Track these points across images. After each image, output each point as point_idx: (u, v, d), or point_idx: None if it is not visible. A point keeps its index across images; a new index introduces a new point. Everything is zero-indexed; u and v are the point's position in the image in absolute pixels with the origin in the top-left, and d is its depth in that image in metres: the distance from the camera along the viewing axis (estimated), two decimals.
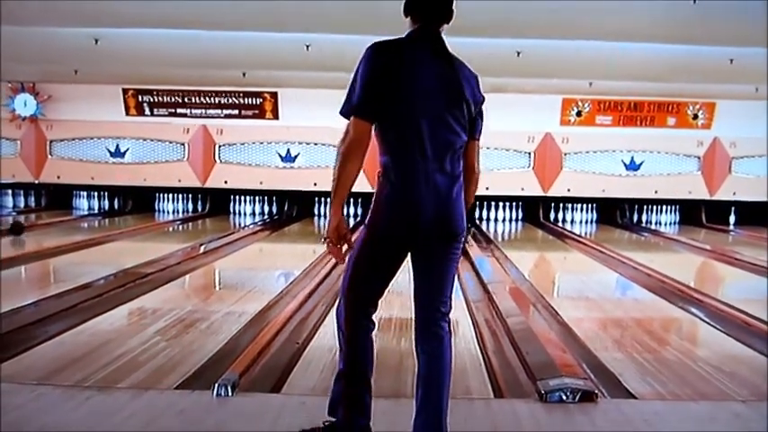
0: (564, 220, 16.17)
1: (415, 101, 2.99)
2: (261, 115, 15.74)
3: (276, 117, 15.68)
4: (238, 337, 5.62)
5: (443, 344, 3.14)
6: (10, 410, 3.66)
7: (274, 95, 15.56)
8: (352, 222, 15.07)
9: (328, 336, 5.71)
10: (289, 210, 16.29)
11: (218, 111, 15.78)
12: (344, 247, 3.17)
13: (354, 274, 3.18)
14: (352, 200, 15.75)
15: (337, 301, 3.30)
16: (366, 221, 3.16)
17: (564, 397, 3.99)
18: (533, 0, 8.58)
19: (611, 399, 4.29)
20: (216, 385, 3.99)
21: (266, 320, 6.07)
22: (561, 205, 16.29)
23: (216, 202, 16.31)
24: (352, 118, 3.02)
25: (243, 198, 16.39)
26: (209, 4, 9.15)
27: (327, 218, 3.13)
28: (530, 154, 15.81)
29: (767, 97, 13.62)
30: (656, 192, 15.95)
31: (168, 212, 16.43)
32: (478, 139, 3.24)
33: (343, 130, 3.08)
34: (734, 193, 15.91)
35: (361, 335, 3.21)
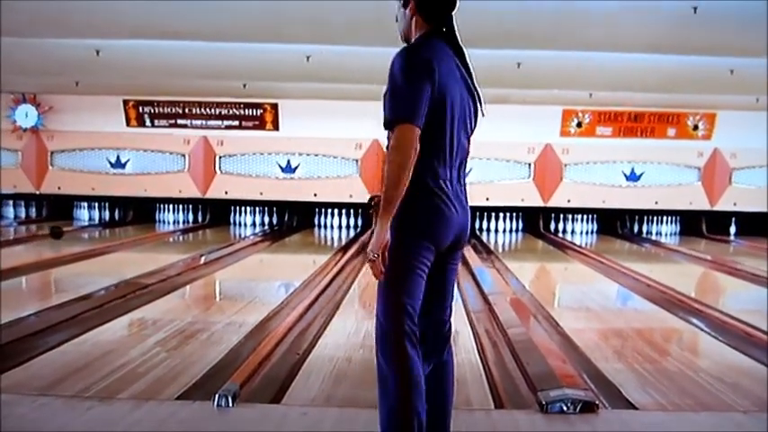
0: (564, 231, 16.17)
1: (447, 106, 2.90)
2: (261, 126, 15.76)
3: (276, 128, 15.70)
4: (239, 347, 5.61)
5: (450, 352, 3.13)
6: (11, 421, 3.66)
7: (275, 107, 15.58)
8: (351, 233, 15.09)
9: (329, 346, 5.72)
10: (289, 220, 16.30)
11: (219, 122, 15.80)
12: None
13: (399, 291, 2.91)
14: (352, 210, 15.80)
15: (380, 338, 2.96)
16: (399, 234, 2.88)
17: (565, 408, 3.98)
18: (534, 12, 8.62)
19: (612, 409, 4.28)
20: (216, 396, 3.98)
21: (267, 331, 6.07)
22: (561, 216, 16.29)
23: (216, 213, 16.31)
24: (401, 127, 2.82)
25: (243, 209, 16.40)
26: (209, 15, 9.17)
27: (375, 234, 2.84)
28: (530, 165, 15.82)
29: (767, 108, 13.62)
30: (656, 202, 15.96)
31: (169, 223, 16.44)
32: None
33: (373, 141, 3.07)
34: (734, 204, 15.91)
35: (415, 369, 2.88)
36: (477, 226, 15.51)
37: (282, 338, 5.69)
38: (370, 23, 8.55)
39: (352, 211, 15.90)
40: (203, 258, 10.82)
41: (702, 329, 6.89)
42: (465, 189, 3.04)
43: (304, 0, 8.41)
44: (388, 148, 2.89)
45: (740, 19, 9.22)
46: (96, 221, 16.39)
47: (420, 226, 2.91)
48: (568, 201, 15.91)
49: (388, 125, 2.85)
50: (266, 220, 16.40)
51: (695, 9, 8.91)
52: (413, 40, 3.02)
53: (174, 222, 16.46)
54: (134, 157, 15.95)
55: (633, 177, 15.93)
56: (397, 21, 3.10)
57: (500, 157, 15.44)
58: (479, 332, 6.31)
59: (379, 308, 2.95)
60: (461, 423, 3.58)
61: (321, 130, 15.14)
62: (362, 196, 14.68)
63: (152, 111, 15.75)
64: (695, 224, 16.31)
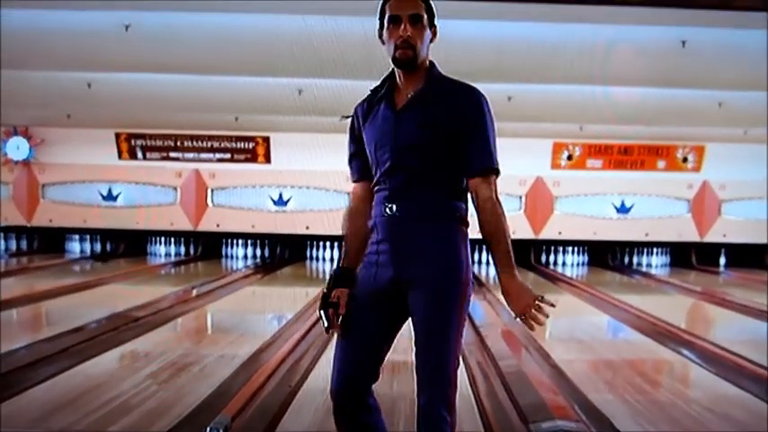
0: (555, 263, 16.20)
1: None
2: (253, 159, 15.79)
3: (268, 161, 15.74)
4: (231, 380, 5.60)
5: None
6: None
7: (266, 140, 15.62)
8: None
9: (320, 379, 5.71)
10: (281, 253, 16.29)
11: (211, 155, 15.83)
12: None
13: (459, 345, 2.86)
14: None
15: (448, 393, 2.81)
16: (460, 276, 2.86)
17: None
18: (524, 46, 8.72)
19: None
20: (208, 429, 3.99)
21: (259, 363, 6.06)
22: (552, 248, 16.32)
23: (208, 246, 16.30)
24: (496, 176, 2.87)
25: (235, 241, 16.39)
26: (201, 49, 9.25)
27: (515, 280, 2.84)
28: (521, 197, 15.87)
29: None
30: (646, 234, 16.00)
31: (160, 255, 16.42)
32: None
33: (348, 174, 3.07)
34: (724, 235, 15.96)
35: None
36: None
37: (274, 371, 5.69)
38: (361, 58, 8.65)
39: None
40: (195, 291, 10.81)
41: (693, 360, 6.91)
42: None
43: (295, 34, 8.50)
44: (479, 196, 2.85)
45: (728, 53, 9.36)
46: (88, 254, 16.36)
47: (469, 266, 2.93)
48: (559, 233, 15.95)
49: (492, 172, 2.86)
50: (258, 252, 16.37)
51: (683, 43, 9.05)
52: (425, 64, 2.90)
53: (165, 255, 16.44)
54: (126, 189, 15.95)
55: (623, 209, 16.00)
56: (385, 44, 2.89)
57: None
58: (471, 364, 6.31)
59: (447, 359, 2.79)
60: None
61: (313, 163, 15.18)
62: None
63: (144, 144, 15.78)
64: (685, 256, 16.35)
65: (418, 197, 2.83)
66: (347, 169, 3.05)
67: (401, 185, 2.83)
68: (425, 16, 2.83)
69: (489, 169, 2.84)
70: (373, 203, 2.94)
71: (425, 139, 2.81)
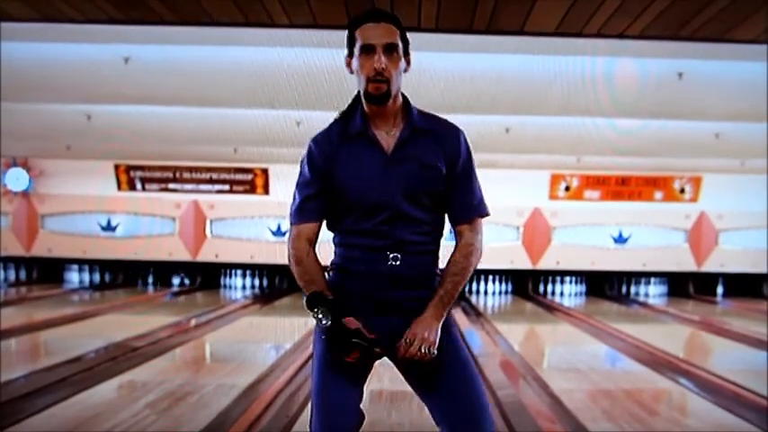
0: (553, 293, 16.19)
1: None
2: (252, 190, 15.84)
3: (267, 192, 15.79)
4: (229, 410, 5.61)
5: None
6: None
7: (265, 171, 15.68)
8: None
9: None
10: (279, 283, 16.28)
11: (210, 186, 15.88)
12: None
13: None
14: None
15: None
16: (451, 320, 2.80)
17: None
18: (522, 78, 8.79)
19: None
20: None
21: (257, 394, 6.08)
22: (550, 278, 16.32)
23: (207, 276, 16.29)
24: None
25: (234, 272, 16.39)
26: (200, 81, 9.32)
27: (436, 320, 2.68)
28: (518, 228, 15.91)
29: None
30: (644, 264, 16.02)
31: (159, 286, 16.40)
32: None
33: None
34: (721, 265, 15.98)
35: None
36: (466, 288, 15.49)
37: (272, 401, 5.71)
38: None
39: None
40: (193, 321, 10.81)
41: (691, 390, 6.91)
42: None
43: (293, 67, 8.57)
44: (464, 239, 2.76)
45: (724, 85, 9.43)
46: (87, 284, 16.35)
47: None
48: (557, 263, 15.96)
49: (482, 213, 2.80)
50: (257, 283, 16.38)
51: (680, 75, 9.12)
52: (398, 97, 2.72)
53: (164, 285, 16.42)
54: (125, 220, 15.98)
55: (621, 240, 16.03)
56: (352, 72, 2.74)
57: (489, 221, 15.45)
58: None
59: (481, 396, 2.75)
60: None
61: None
62: None
63: (143, 175, 15.83)
64: (683, 285, 16.35)
65: (422, 249, 2.74)
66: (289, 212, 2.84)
67: (404, 236, 2.69)
68: (400, 45, 2.66)
69: (478, 210, 2.79)
70: (342, 247, 2.83)
71: (431, 183, 2.69)
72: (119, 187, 15.87)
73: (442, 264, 2.82)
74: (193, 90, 9.80)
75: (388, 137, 2.71)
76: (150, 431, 5.03)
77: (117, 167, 15.74)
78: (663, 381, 7.35)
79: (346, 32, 2.72)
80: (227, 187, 15.87)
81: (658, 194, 15.93)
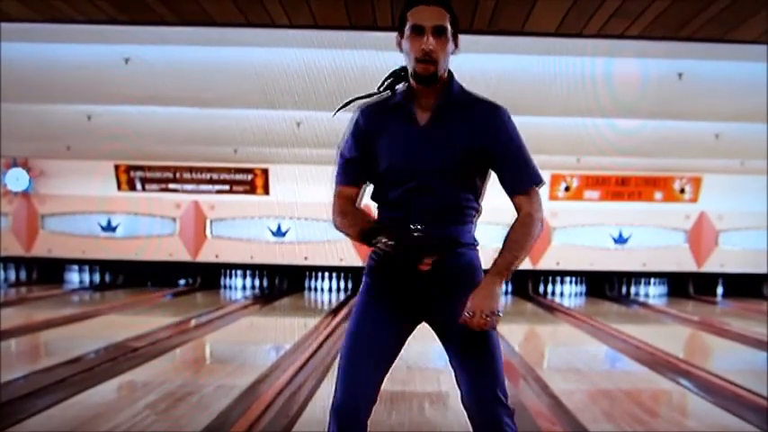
0: (553, 293, 16.20)
1: None
2: (252, 191, 15.85)
3: (267, 192, 15.80)
4: (229, 410, 5.60)
5: None
6: None
7: (265, 171, 15.69)
8: (342, 296, 15.09)
9: (317, 410, 5.71)
10: (279, 284, 16.29)
11: (210, 186, 15.89)
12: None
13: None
14: (342, 274, 15.82)
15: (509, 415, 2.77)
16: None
17: None
18: (521, 79, 8.79)
19: None
20: None
21: (257, 394, 6.07)
22: (550, 278, 16.33)
23: (207, 277, 16.29)
24: (538, 189, 2.88)
25: (234, 272, 16.39)
26: (200, 82, 9.32)
27: (497, 291, 2.66)
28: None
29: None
30: (644, 264, 16.02)
31: (160, 286, 16.40)
32: None
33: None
34: (721, 265, 15.99)
35: None
36: None
37: (272, 402, 5.70)
38: (358, 91, 8.72)
39: (342, 274, 15.92)
40: (193, 321, 10.81)
41: (691, 390, 6.91)
42: None
43: (294, 67, 8.58)
44: (522, 210, 2.85)
45: (724, 85, 9.43)
46: (87, 284, 16.36)
47: None
48: (557, 263, 15.96)
49: (535, 182, 2.87)
50: (257, 283, 16.38)
51: (680, 75, 9.12)
52: (444, 76, 2.80)
53: (164, 285, 16.42)
54: (125, 220, 15.98)
55: (621, 240, 16.04)
56: (402, 51, 2.80)
57: (490, 222, 15.48)
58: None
59: (500, 381, 2.75)
60: None
61: (311, 194, 15.22)
62: (353, 260, 14.75)
63: (143, 175, 15.84)
64: (683, 285, 16.36)
65: (445, 220, 2.78)
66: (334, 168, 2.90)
67: (427, 207, 2.75)
68: (449, 28, 2.73)
69: (531, 180, 2.87)
70: (378, 218, 2.86)
71: (454, 161, 2.75)
72: (119, 187, 15.88)
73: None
74: (193, 90, 9.80)
75: (425, 113, 2.79)
76: None
77: (117, 168, 15.75)
78: (663, 381, 7.35)
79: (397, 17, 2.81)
80: (227, 187, 15.88)
81: (658, 195, 15.94)
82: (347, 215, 2.85)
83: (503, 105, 2.86)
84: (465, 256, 2.83)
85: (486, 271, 2.78)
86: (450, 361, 2.83)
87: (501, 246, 2.78)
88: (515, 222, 2.84)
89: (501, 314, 2.64)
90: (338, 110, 2.95)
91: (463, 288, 2.70)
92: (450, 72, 2.82)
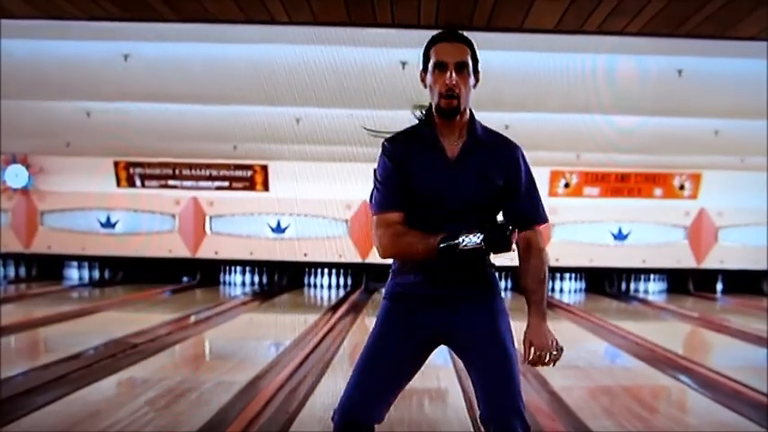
0: (552, 290, 16.17)
1: None
2: (251, 187, 15.83)
3: (266, 189, 15.78)
4: (228, 407, 5.60)
5: None
6: None
7: (265, 168, 15.67)
8: (341, 293, 15.08)
9: (317, 406, 5.72)
10: (279, 280, 16.28)
11: (209, 183, 15.87)
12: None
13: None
14: (342, 270, 15.80)
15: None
16: (507, 319, 2.99)
17: None
18: (522, 75, 8.79)
19: None
20: None
21: (256, 391, 6.08)
22: (550, 275, 16.26)
23: (206, 273, 16.28)
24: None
25: (233, 268, 16.38)
26: (199, 78, 9.32)
27: (545, 324, 2.92)
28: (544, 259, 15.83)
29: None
30: (643, 261, 16.02)
31: (159, 283, 16.39)
32: None
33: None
34: (721, 262, 15.99)
35: None
36: None
37: (272, 398, 5.71)
38: (358, 87, 8.73)
39: (341, 270, 15.92)
40: (193, 318, 10.81)
41: (691, 386, 6.92)
42: None
43: (293, 64, 8.58)
44: (532, 246, 2.96)
45: (724, 81, 9.43)
46: (86, 281, 16.35)
47: None
48: (557, 260, 15.93)
49: (542, 221, 3.00)
50: (256, 279, 16.37)
51: (680, 72, 9.12)
52: (466, 112, 2.93)
53: (164, 282, 16.41)
54: (124, 217, 15.97)
55: (620, 236, 16.03)
56: (426, 86, 2.92)
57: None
58: (469, 391, 6.32)
59: (519, 399, 2.87)
60: None
61: (311, 190, 15.24)
62: (352, 256, 14.76)
63: (142, 172, 15.82)
64: (682, 282, 16.34)
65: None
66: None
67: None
68: (470, 64, 2.86)
69: (537, 219, 2.99)
70: None
71: (483, 193, 2.89)
72: (118, 184, 15.86)
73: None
74: (193, 87, 9.81)
75: (452, 146, 2.90)
76: (150, 428, 5.03)
77: (116, 164, 15.73)
78: (662, 378, 7.36)
79: (421, 50, 2.92)
80: (226, 184, 15.86)
81: (658, 191, 15.93)
82: (406, 234, 2.85)
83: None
84: (485, 276, 2.98)
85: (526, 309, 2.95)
86: (470, 375, 2.95)
87: (527, 282, 2.96)
88: (535, 261, 2.98)
89: (561, 348, 2.89)
90: (371, 131, 3.05)
91: (485, 304, 2.93)
92: (470, 110, 2.95)
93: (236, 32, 8.42)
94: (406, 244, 2.84)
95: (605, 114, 10.90)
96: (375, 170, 2.94)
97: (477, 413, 2.87)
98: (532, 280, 2.94)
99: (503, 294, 3.03)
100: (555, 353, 2.86)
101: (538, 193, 3.01)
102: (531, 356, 2.85)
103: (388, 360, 2.89)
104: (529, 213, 2.96)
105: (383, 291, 3.02)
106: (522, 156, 2.99)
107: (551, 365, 2.88)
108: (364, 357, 2.92)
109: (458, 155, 2.89)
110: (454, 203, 2.85)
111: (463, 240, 2.73)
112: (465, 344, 2.92)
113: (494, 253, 2.83)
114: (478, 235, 2.73)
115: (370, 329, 2.98)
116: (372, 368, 2.89)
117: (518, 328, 2.95)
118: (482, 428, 2.86)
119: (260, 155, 15.06)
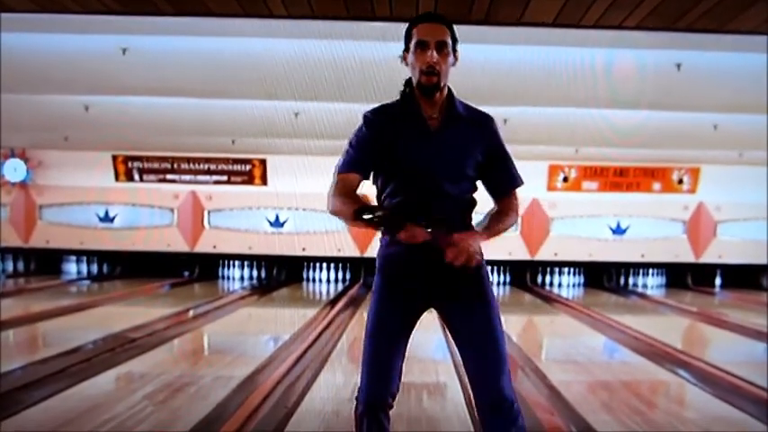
0: (551, 284, 16.20)
1: None
2: (250, 181, 15.83)
3: (265, 183, 15.78)
4: (227, 401, 5.60)
5: None
6: None
7: (263, 162, 15.67)
8: (340, 287, 15.08)
9: (316, 401, 5.72)
10: (277, 274, 16.28)
11: (208, 177, 15.87)
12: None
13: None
14: (340, 264, 15.81)
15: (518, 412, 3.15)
16: (490, 288, 3.26)
17: None
18: (521, 69, 8.78)
19: None
20: None
21: (255, 385, 6.07)
22: (548, 269, 16.32)
23: (204, 267, 16.28)
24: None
25: (232, 263, 16.38)
26: (198, 72, 9.31)
27: (479, 236, 3.07)
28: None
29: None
30: (642, 255, 16.02)
31: (157, 277, 16.38)
32: None
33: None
34: (719, 256, 15.99)
35: None
36: None
37: (271, 392, 5.70)
38: (357, 81, 8.72)
39: (340, 265, 15.92)
40: (191, 312, 10.81)
41: (689, 381, 6.92)
42: None
43: (292, 58, 8.56)
44: (508, 206, 3.22)
45: (722, 75, 9.42)
46: (85, 275, 16.34)
47: None
48: (555, 254, 15.96)
49: (517, 185, 3.24)
50: (255, 274, 16.37)
51: (678, 66, 9.11)
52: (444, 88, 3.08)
53: (162, 276, 16.39)
54: (122, 211, 15.96)
55: (619, 231, 16.03)
56: (407, 65, 3.09)
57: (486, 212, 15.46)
58: (468, 385, 6.31)
59: (506, 364, 3.18)
60: None
61: (309, 185, 15.21)
62: (350, 251, 14.75)
63: (141, 166, 15.81)
64: (681, 276, 16.36)
65: (454, 218, 3.07)
66: (340, 160, 3.09)
67: (438, 206, 3.02)
68: (450, 43, 3.01)
69: (517, 183, 3.25)
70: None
71: (464, 163, 3.07)
72: (116, 178, 15.85)
73: None
74: (191, 81, 9.79)
75: (433, 119, 3.06)
76: (148, 423, 5.02)
77: (115, 158, 15.72)
78: (661, 372, 7.35)
79: (404, 31, 3.08)
80: (225, 178, 15.86)
81: (656, 185, 15.93)
82: (346, 197, 3.01)
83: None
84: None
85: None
86: (457, 344, 3.16)
87: (494, 222, 3.18)
88: (509, 219, 3.23)
89: (480, 258, 3.02)
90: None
91: (469, 274, 3.04)
92: (449, 87, 3.11)
93: (234, 26, 8.40)
94: (340, 204, 3.02)
95: (604, 108, 10.88)
96: (350, 137, 3.09)
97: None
98: (500, 226, 3.17)
99: (488, 268, 3.20)
100: (473, 253, 2.93)
101: (512, 158, 3.21)
102: (449, 252, 2.89)
103: (388, 333, 3.06)
104: (509, 181, 3.21)
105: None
106: (496, 126, 3.17)
107: (469, 261, 2.92)
108: (369, 339, 3.08)
109: (438, 127, 3.05)
110: (436, 173, 3.00)
111: (370, 218, 2.87)
112: (452, 308, 3.13)
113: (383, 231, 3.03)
114: (378, 214, 2.87)
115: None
116: (379, 348, 3.07)
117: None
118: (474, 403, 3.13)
119: (258, 149, 15.05)
